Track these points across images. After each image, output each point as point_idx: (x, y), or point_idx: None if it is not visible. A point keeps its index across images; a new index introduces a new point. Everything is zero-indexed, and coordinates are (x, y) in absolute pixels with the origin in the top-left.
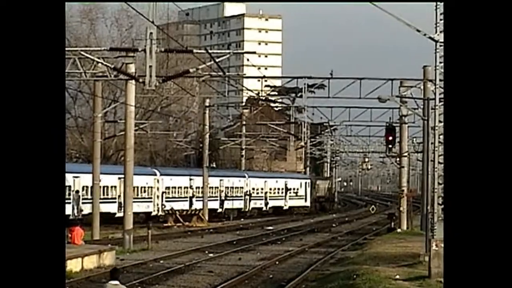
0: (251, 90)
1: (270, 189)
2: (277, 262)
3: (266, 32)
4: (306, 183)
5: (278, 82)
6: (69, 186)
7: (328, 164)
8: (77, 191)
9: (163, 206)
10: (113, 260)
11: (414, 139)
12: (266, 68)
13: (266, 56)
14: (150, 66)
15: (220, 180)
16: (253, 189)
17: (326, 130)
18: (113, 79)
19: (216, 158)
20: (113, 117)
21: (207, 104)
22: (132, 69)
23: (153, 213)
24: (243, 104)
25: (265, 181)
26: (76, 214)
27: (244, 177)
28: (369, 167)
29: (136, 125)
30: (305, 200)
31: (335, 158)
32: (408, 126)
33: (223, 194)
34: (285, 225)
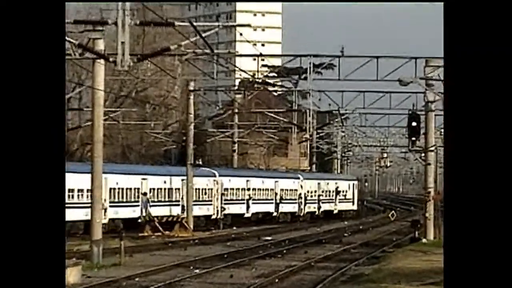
0: (245, 71)
1: (323, 191)
2: (276, 280)
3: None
4: (354, 184)
5: (277, 62)
6: (137, 188)
7: (339, 161)
8: (145, 193)
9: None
10: (78, 277)
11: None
12: (263, 45)
13: (263, 30)
14: (123, 43)
15: (276, 181)
16: (308, 191)
17: (336, 120)
18: (77, 58)
19: (203, 153)
20: (77, 104)
21: (191, 88)
22: (100, 46)
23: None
24: (235, 88)
25: (319, 183)
26: (143, 215)
27: (299, 178)
28: (388, 164)
29: (106, 113)
30: (353, 204)
31: (347, 153)
32: (436, 115)
33: (278, 197)
34: (286, 235)
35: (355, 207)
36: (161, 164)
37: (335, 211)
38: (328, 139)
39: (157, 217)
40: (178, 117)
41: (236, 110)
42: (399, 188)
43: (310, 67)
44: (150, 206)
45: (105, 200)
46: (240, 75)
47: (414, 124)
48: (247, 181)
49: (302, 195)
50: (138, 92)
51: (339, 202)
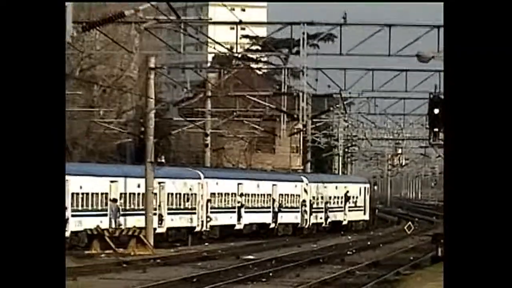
0: (221, 44)
1: (330, 197)
2: None
3: None
4: (365, 189)
5: (262, 32)
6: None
7: (340, 158)
8: (115, 200)
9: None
10: None
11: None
12: (243, 10)
13: None
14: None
15: (273, 185)
16: (313, 197)
17: (337, 106)
18: None
19: (167, 148)
20: None
21: (152, 65)
22: None
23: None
24: (208, 65)
25: (325, 187)
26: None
27: (302, 181)
28: (404, 162)
29: None
30: (364, 213)
31: (351, 148)
32: None
33: (276, 204)
34: (273, 253)
35: (366, 217)
36: (114, 162)
37: (344, 222)
38: (326, 131)
39: (106, 229)
40: (135, 103)
41: (209, 94)
42: (418, 193)
43: (303, 38)
44: (120, 215)
45: (66, 208)
46: (214, 48)
47: (436, 111)
48: (239, 184)
49: (307, 202)
50: (83, 70)
51: (349, 211)
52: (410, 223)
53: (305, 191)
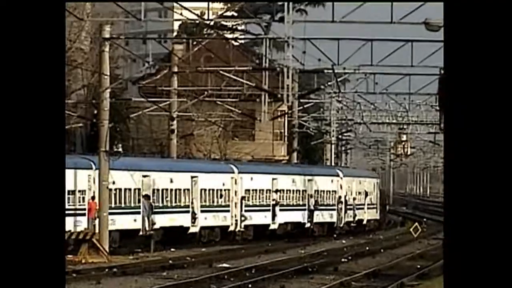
0: (189, 9)
1: (357, 193)
2: None
3: None
4: (376, 184)
5: None
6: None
7: (333, 146)
8: (147, 196)
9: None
10: None
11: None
12: None
13: None
14: None
15: (309, 180)
16: (346, 193)
17: (329, 83)
18: None
19: (124, 135)
20: None
21: (106, 35)
22: None
23: None
24: (175, 35)
25: (353, 181)
26: (147, 229)
27: (338, 175)
28: (409, 151)
29: None
30: (376, 210)
31: (346, 135)
32: None
33: (312, 202)
34: (253, 261)
35: (378, 216)
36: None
37: (365, 221)
38: (316, 114)
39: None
40: (87, 80)
41: (176, 69)
42: (426, 188)
43: (288, 2)
44: (153, 213)
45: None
46: (181, 14)
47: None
48: (273, 179)
49: (343, 199)
50: None
51: (368, 208)
52: (417, 224)
53: (341, 186)
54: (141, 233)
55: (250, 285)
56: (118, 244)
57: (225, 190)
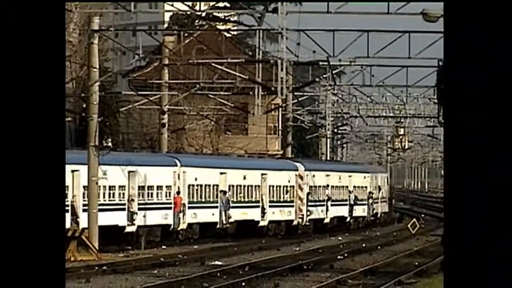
0: (180, 0)
1: (374, 188)
2: None
3: None
4: (386, 179)
5: None
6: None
7: (328, 140)
8: (224, 192)
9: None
10: None
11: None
12: None
13: None
14: None
15: (349, 176)
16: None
17: (324, 76)
18: None
19: (114, 130)
20: None
21: (95, 27)
22: None
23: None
24: (165, 26)
25: (374, 177)
26: (224, 222)
27: (368, 172)
28: (407, 145)
29: None
30: (387, 204)
31: (342, 128)
32: None
33: (352, 197)
34: (246, 258)
35: (387, 209)
36: None
37: (379, 214)
38: (311, 107)
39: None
40: (75, 73)
41: (166, 61)
42: (424, 183)
43: None
44: (230, 207)
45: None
46: (173, 5)
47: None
48: (327, 176)
49: (372, 194)
50: None
51: (381, 202)
52: (414, 220)
53: (369, 182)
54: (218, 226)
55: (243, 283)
56: (198, 235)
57: (290, 186)
